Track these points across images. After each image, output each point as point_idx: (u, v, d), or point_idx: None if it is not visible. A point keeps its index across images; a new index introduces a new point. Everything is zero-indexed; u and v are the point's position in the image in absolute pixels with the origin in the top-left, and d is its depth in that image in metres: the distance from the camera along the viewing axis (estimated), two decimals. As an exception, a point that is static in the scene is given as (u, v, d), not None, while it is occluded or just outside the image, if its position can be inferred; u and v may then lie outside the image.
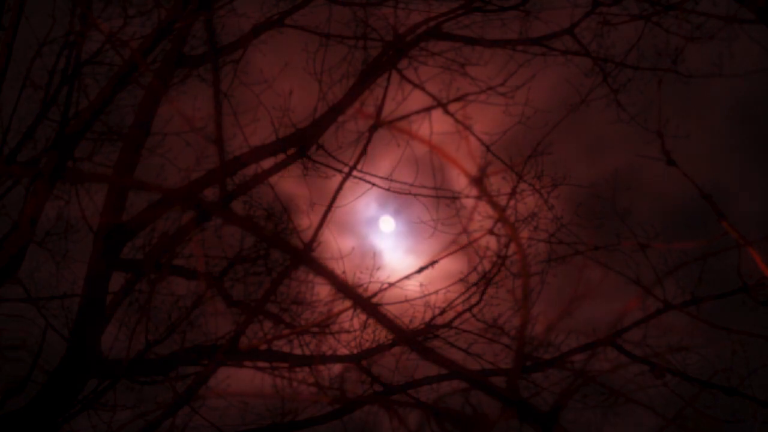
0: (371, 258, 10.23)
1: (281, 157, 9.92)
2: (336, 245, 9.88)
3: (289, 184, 10.02)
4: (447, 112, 10.17)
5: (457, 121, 10.11)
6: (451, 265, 9.92)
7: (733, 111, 10.36)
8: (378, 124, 9.78)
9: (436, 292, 10.00)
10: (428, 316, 10.08)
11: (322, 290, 9.87)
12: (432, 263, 9.84)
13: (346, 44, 10.17)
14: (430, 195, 10.09)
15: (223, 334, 9.74)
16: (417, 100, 10.09)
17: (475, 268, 9.92)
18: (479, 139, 10.05)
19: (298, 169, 10.03)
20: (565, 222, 10.15)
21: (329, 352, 9.94)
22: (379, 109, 9.80)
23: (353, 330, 9.94)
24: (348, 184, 9.73)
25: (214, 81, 8.82)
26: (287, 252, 9.44)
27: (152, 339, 9.63)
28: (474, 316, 10.06)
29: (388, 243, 10.77)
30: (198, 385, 9.40)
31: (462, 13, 10.27)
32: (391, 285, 9.82)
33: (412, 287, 9.91)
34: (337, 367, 9.99)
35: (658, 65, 10.16)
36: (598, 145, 10.68)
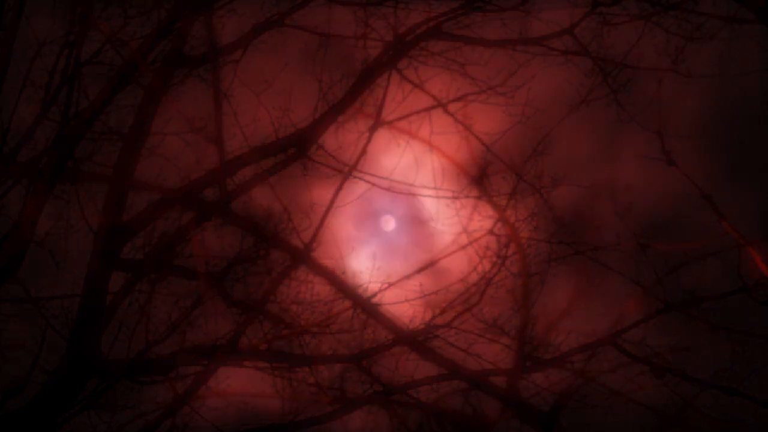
0: (371, 258, 10.23)
1: (281, 157, 9.94)
2: (336, 245, 9.90)
3: (289, 184, 10.03)
4: (447, 112, 10.23)
5: (457, 121, 10.18)
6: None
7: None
8: (378, 124, 9.81)
9: (436, 292, 10.00)
10: (428, 316, 10.08)
11: (322, 290, 9.88)
12: (432, 263, 9.88)
13: (346, 44, 10.19)
14: (430, 195, 10.09)
15: (223, 334, 9.75)
16: (417, 100, 10.12)
17: (475, 268, 9.92)
18: (479, 139, 10.06)
19: (298, 169, 10.05)
20: (565, 222, 10.15)
21: (329, 352, 9.94)
22: (379, 109, 9.83)
23: (353, 330, 9.94)
24: (348, 183, 9.75)
25: (214, 81, 8.89)
26: (287, 252, 9.52)
27: (152, 339, 9.63)
28: (474, 316, 10.06)
29: (388, 243, 10.77)
30: (198, 385, 9.42)
31: (462, 13, 10.27)
32: (391, 285, 9.83)
33: (412, 287, 9.92)
34: (337, 367, 9.99)
35: (658, 65, 10.18)
36: (597, 145, 10.68)
